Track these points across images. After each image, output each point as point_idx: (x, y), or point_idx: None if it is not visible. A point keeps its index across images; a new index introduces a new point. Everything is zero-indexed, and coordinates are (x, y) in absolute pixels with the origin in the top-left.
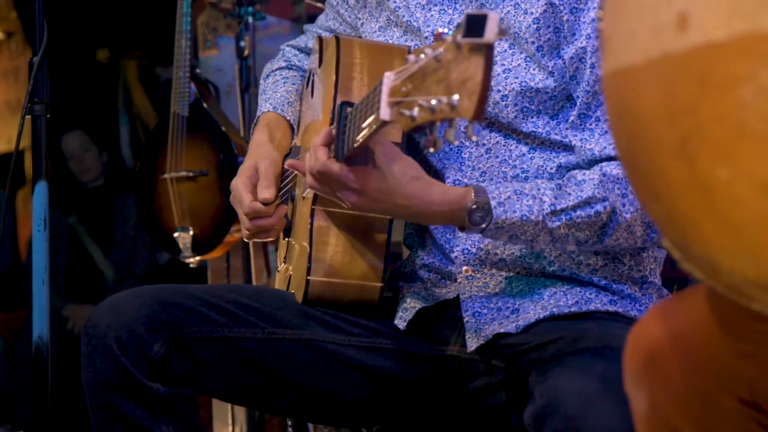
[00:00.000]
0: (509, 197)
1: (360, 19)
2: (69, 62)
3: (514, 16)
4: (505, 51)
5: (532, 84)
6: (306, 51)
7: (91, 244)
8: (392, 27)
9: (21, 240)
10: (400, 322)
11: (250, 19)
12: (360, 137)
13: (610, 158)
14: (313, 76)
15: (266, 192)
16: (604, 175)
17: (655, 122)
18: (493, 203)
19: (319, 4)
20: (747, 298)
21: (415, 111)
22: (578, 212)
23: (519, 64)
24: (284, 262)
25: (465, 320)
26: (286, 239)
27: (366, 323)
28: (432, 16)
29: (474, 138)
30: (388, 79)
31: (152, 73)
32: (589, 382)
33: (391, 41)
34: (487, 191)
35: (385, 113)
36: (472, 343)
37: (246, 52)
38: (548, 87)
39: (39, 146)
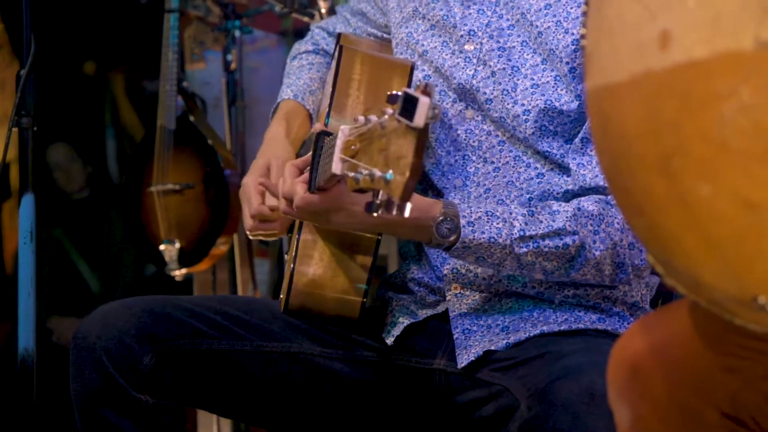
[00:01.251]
0: (479, 218)
1: (389, 4)
2: (56, 75)
3: (554, 33)
4: (537, 65)
5: (557, 104)
6: (335, 35)
7: (76, 256)
8: (417, 19)
9: (6, 252)
10: (388, 337)
11: (237, 33)
12: (324, 177)
13: (597, 190)
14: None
15: (274, 200)
16: (578, 209)
17: (638, 139)
18: (462, 222)
19: (306, 19)
20: (729, 313)
21: (359, 175)
22: (547, 241)
23: (548, 82)
24: (287, 255)
25: (454, 337)
26: (289, 235)
27: (354, 337)
28: (470, 14)
29: (407, 215)
30: (343, 132)
31: (139, 87)
32: (575, 395)
33: (415, 34)
34: (458, 208)
35: (336, 167)
36: (462, 360)
37: (233, 66)
38: (572, 110)
39: (26, 159)
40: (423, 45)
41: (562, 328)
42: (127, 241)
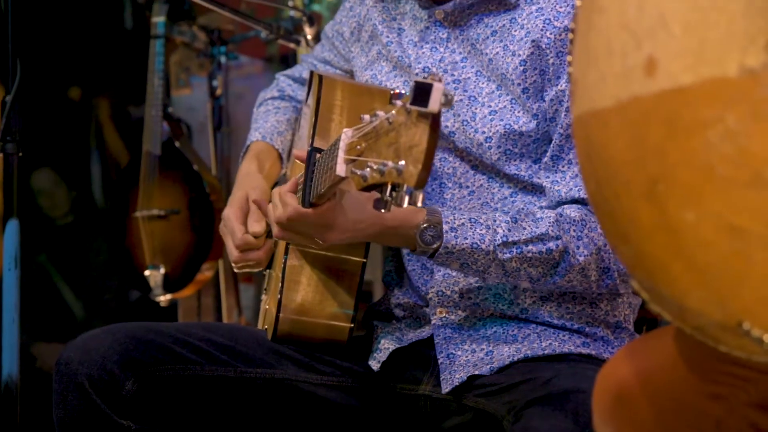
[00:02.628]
0: (463, 224)
1: (352, 52)
2: (41, 100)
3: (502, 57)
4: (493, 92)
5: (516, 127)
6: (300, 81)
7: (60, 281)
8: (381, 61)
9: None
10: (374, 363)
11: (223, 59)
12: (323, 187)
13: (574, 201)
14: (304, 107)
15: (257, 225)
16: (560, 215)
17: (624, 165)
18: (445, 227)
19: (292, 45)
20: (714, 339)
21: (367, 171)
22: (530, 247)
23: (504, 106)
24: (265, 293)
25: (439, 362)
26: (268, 270)
27: (339, 363)
28: (423, 53)
29: (419, 205)
30: (346, 135)
31: (124, 112)
32: (560, 422)
33: (379, 75)
34: (442, 214)
35: (340, 169)
36: (447, 385)
37: (218, 91)
38: (531, 130)
39: (11, 185)
40: (387, 85)
41: (546, 352)
42: (112, 266)
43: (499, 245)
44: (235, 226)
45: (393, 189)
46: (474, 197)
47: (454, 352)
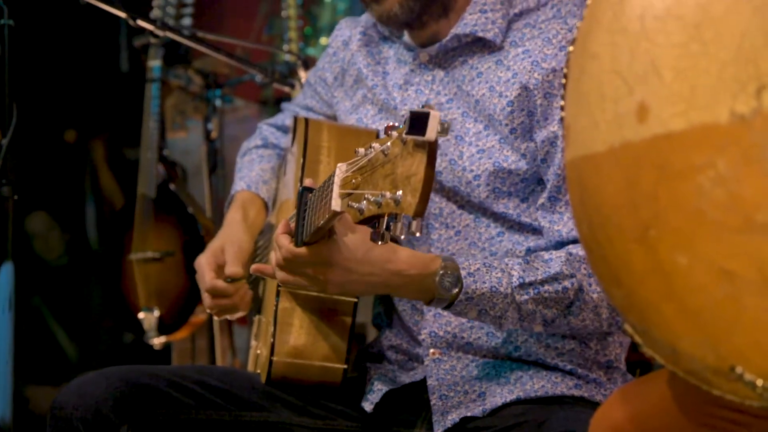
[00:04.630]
0: (478, 269)
1: (336, 97)
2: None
3: (489, 98)
4: (480, 132)
5: (504, 165)
6: (283, 129)
7: (54, 324)
8: (366, 104)
9: None
10: (367, 404)
11: (218, 102)
12: (317, 224)
13: (576, 241)
14: (288, 154)
15: (232, 268)
16: (570, 254)
17: (617, 209)
18: (463, 273)
19: (287, 89)
20: (707, 383)
21: (363, 204)
22: (546, 287)
23: (493, 145)
24: (255, 339)
25: (432, 403)
26: (258, 316)
27: (333, 406)
28: (409, 95)
29: (418, 234)
30: (340, 170)
31: (120, 154)
32: None
33: (365, 119)
34: (457, 261)
35: (336, 204)
36: (439, 427)
37: (214, 134)
38: (520, 169)
39: (5, 228)
40: (372, 128)
41: (538, 394)
42: (106, 309)
43: (516, 287)
44: (206, 272)
45: (390, 221)
46: (461, 237)
47: (446, 393)
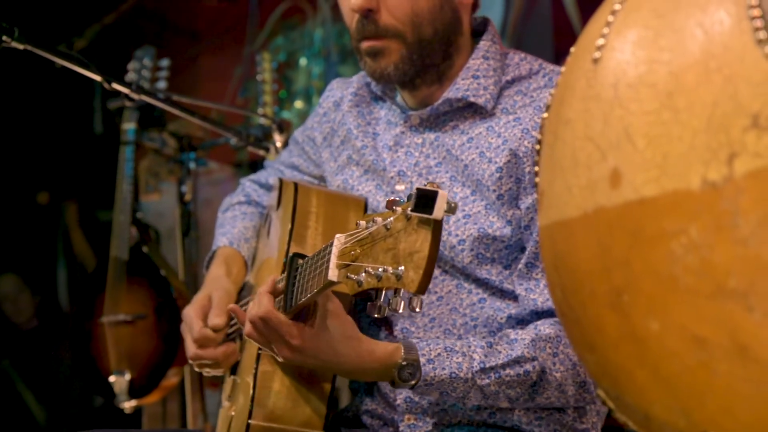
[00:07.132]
0: (439, 354)
1: (323, 157)
2: (8, 205)
3: (478, 163)
4: (467, 197)
5: (489, 231)
6: (266, 186)
7: (23, 387)
8: (351, 166)
9: None
10: None
11: (192, 165)
12: (308, 293)
13: (551, 312)
14: (271, 213)
15: (217, 319)
16: (536, 334)
17: (590, 274)
18: (422, 360)
19: (261, 152)
20: None
21: (362, 276)
22: (507, 371)
23: (479, 211)
24: (228, 400)
25: None
26: (232, 377)
27: None
28: (399, 157)
29: (418, 310)
30: (339, 240)
31: (92, 217)
32: None
33: (350, 180)
34: (417, 348)
35: (332, 275)
36: None
37: (187, 197)
38: (505, 236)
39: None
40: (358, 190)
41: None
42: (76, 372)
43: (477, 372)
44: (194, 321)
45: (388, 295)
46: (442, 302)
47: None
